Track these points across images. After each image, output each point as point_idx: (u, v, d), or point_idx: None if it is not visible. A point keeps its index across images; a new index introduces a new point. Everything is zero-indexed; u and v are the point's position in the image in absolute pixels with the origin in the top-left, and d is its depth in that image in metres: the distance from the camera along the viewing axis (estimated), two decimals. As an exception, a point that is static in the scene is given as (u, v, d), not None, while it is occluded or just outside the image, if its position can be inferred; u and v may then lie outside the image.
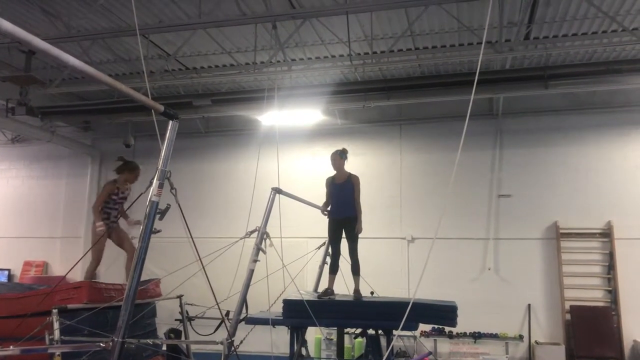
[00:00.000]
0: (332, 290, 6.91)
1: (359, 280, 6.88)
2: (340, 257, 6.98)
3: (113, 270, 13.04)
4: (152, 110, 3.66)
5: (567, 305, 10.53)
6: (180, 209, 3.74)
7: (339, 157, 7.10)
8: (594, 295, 10.60)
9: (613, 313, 10.32)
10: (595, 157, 10.94)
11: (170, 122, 3.60)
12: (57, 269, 13.28)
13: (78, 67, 2.75)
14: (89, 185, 13.61)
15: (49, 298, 5.20)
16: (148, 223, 3.47)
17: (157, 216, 3.54)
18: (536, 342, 10.51)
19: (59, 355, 4.63)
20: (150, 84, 8.54)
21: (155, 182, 3.53)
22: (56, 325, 4.79)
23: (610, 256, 10.54)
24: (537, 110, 11.29)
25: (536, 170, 11.17)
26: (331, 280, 6.95)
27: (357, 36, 9.14)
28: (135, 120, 12.32)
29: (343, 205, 6.94)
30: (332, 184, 7.15)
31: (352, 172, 7.16)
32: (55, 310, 4.89)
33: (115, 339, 3.38)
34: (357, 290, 6.84)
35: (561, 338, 10.51)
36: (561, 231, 10.82)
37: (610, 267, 10.53)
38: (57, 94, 11.35)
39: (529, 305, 10.81)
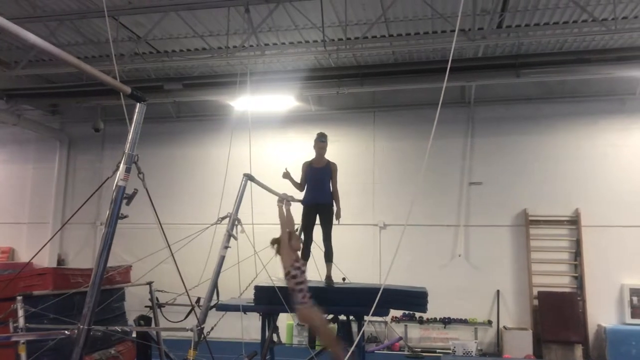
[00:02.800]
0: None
1: (332, 266, 6.87)
2: (312, 243, 6.95)
3: (82, 255, 12.90)
4: (121, 93, 3.57)
5: (535, 291, 10.73)
6: (148, 194, 3.67)
7: (320, 141, 7.01)
8: (560, 282, 10.82)
9: (579, 298, 10.55)
10: (564, 145, 11.12)
11: (138, 104, 3.52)
12: (24, 255, 13.01)
13: (40, 46, 2.65)
14: (57, 169, 13.33)
15: (12, 284, 5.07)
16: (114, 208, 3.39)
17: (124, 201, 3.46)
18: (504, 328, 10.70)
19: (23, 343, 4.53)
20: (119, 66, 8.35)
21: (122, 166, 3.45)
22: (21, 312, 4.68)
23: (577, 243, 10.76)
24: (508, 99, 11.41)
25: (507, 158, 11.31)
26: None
27: (331, 22, 9.08)
28: (104, 104, 12.11)
29: (319, 191, 6.86)
30: (309, 167, 7.04)
31: (330, 160, 7.09)
32: (19, 297, 4.77)
33: (81, 327, 3.30)
34: (329, 277, 6.83)
35: (529, 323, 10.72)
36: (530, 218, 11.00)
37: (577, 253, 10.75)
38: (23, 76, 11.05)
39: (498, 291, 10.99)
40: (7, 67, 10.08)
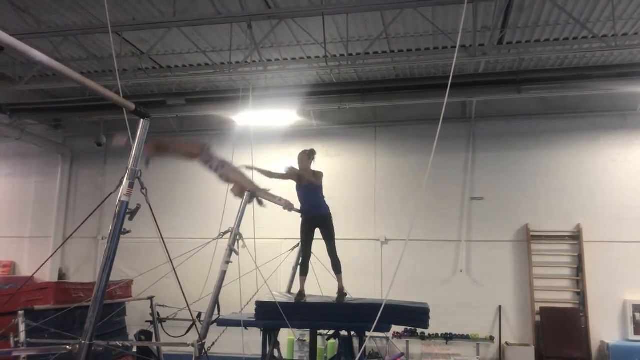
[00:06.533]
0: (304, 292, 6.85)
1: (342, 278, 6.78)
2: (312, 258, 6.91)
3: (83, 269, 12.89)
4: (124, 109, 3.60)
5: (537, 306, 10.68)
6: (151, 209, 3.68)
7: (307, 158, 7.02)
8: (563, 297, 10.77)
9: (581, 314, 10.50)
10: (565, 161, 11.13)
11: (142, 120, 3.55)
12: (25, 269, 13.00)
13: (45, 63, 2.69)
14: (59, 184, 13.35)
15: (14, 299, 5.07)
16: (117, 223, 3.41)
17: (127, 216, 3.48)
18: (506, 343, 10.64)
19: (24, 358, 4.53)
20: (122, 82, 8.44)
21: (125, 181, 3.47)
22: (22, 327, 4.68)
23: (579, 258, 10.72)
24: (509, 114, 11.43)
25: (508, 174, 11.32)
26: (302, 282, 6.87)
27: (332, 37, 9.14)
28: (107, 119, 12.16)
29: (315, 204, 6.86)
30: (298, 186, 7.04)
31: (317, 170, 7.08)
32: (21, 312, 4.77)
33: (82, 342, 3.30)
34: (341, 289, 6.72)
35: (531, 339, 10.66)
36: (532, 234, 10.98)
37: (579, 269, 10.71)
38: (26, 91, 11.12)
39: (500, 306, 10.94)
40: (11, 82, 10.14)
